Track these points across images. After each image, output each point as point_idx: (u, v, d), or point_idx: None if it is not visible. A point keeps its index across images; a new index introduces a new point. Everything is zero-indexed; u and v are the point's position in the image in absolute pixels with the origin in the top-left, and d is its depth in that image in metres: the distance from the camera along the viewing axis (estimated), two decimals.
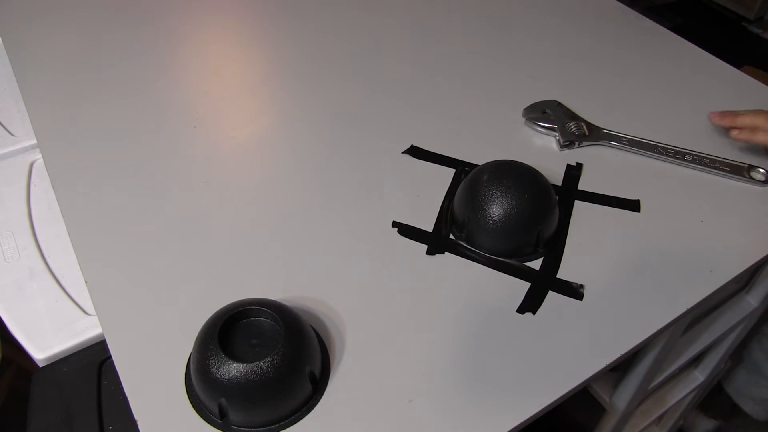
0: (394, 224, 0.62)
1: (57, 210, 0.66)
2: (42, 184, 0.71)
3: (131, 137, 0.72)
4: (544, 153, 0.71)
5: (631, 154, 0.70)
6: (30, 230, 0.66)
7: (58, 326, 0.57)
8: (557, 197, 0.62)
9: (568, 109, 0.74)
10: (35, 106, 0.76)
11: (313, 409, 0.48)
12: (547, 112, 0.73)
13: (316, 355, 0.49)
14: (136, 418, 0.47)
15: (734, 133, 0.69)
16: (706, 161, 0.69)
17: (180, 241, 0.61)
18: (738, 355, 1.18)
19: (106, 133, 0.73)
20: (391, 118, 0.75)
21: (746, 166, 0.68)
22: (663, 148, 0.70)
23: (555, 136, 0.72)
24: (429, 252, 0.60)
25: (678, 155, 0.69)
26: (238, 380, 0.44)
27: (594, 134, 0.71)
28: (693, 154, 0.69)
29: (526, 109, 0.74)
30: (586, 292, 0.57)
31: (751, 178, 0.67)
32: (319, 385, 0.49)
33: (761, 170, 0.68)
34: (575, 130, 0.71)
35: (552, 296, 0.56)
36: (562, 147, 0.71)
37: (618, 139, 0.71)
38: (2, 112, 0.80)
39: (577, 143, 0.71)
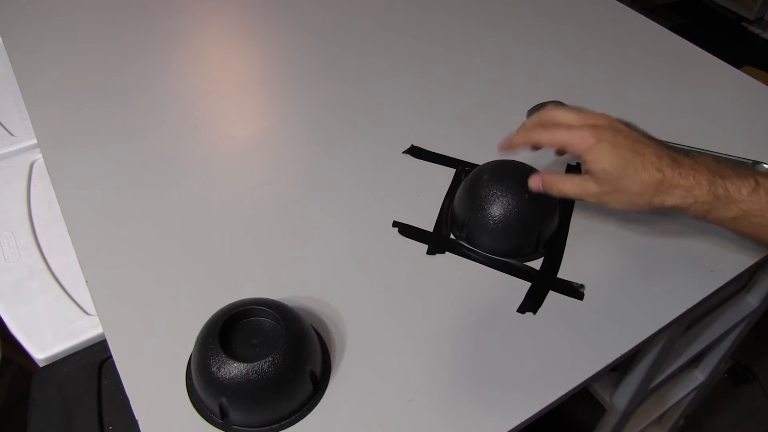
0: (395, 224, 0.62)
1: (57, 210, 0.66)
2: (42, 184, 0.71)
3: (131, 137, 0.72)
4: (546, 154, 0.70)
5: None
6: (30, 230, 0.66)
7: (58, 326, 0.57)
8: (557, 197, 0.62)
9: None
10: (36, 106, 0.76)
11: (313, 408, 0.48)
12: None
13: (317, 354, 0.49)
14: (136, 417, 0.47)
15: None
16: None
17: (180, 241, 0.61)
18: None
19: (106, 133, 0.73)
20: (392, 118, 0.75)
21: (750, 162, 0.68)
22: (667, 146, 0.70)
23: None
24: (429, 252, 0.60)
25: (682, 153, 0.69)
26: (239, 380, 0.44)
27: None
28: (697, 152, 0.69)
29: (529, 110, 0.74)
30: (586, 292, 0.57)
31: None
32: (319, 384, 0.49)
33: (765, 165, 0.68)
34: None
35: (552, 296, 0.56)
36: None
37: None
38: (2, 112, 0.80)
39: None
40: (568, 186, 0.53)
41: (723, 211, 0.50)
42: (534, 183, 0.55)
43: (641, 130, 0.53)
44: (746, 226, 0.50)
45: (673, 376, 0.85)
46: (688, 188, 0.49)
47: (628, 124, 0.53)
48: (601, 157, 0.50)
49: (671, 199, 0.50)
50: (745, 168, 0.67)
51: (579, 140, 0.51)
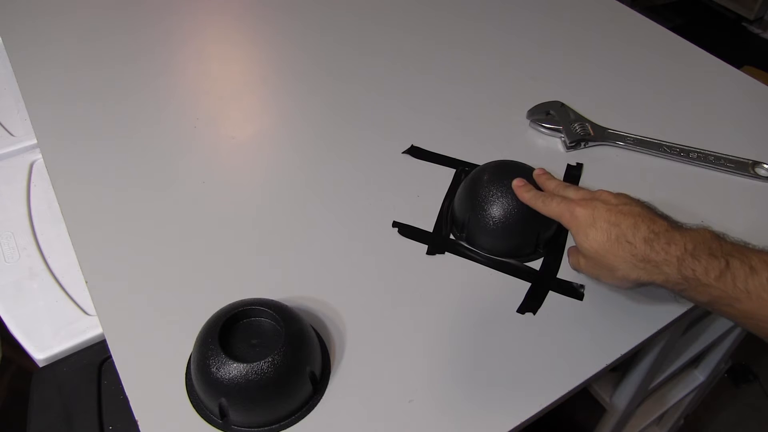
0: (395, 224, 0.62)
1: (57, 210, 0.66)
2: (42, 184, 0.71)
3: (131, 137, 0.72)
4: (547, 154, 0.71)
5: (637, 153, 0.70)
6: (30, 230, 0.66)
7: (58, 326, 0.57)
8: None
9: (572, 110, 0.74)
10: (35, 105, 0.76)
11: (313, 409, 0.48)
12: (551, 114, 0.73)
13: (317, 355, 0.49)
14: (136, 418, 0.47)
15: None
16: (711, 158, 0.69)
17: (180, 241, 0.61)
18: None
19: (105, 133, 0.73)
20: (392, 118, 0.75)
21: (750, 162, 0.68)
22: (668, 146, 0.70)
23: (560, 138, 0.72)
24: (429, 252, 0.60)
25: (683, 153, 0.69)
26: (239, 380, 0.44)
27: (599, 134, 0.71)
28: (698, 152, 0.69)
29: (530, 110, 0.74)
30: (586, 292, 0.57)
31: (755, 173, 0.68)
32: (319, 385, 0.49)
33: (765, 166, 0.68)
34: (580, 130, 0.71)
35: (552, 296, 0.56)
36: (568, 148, 0.71)
37: (623, 138, 0.71)
38: (2, 112, 0.80)
39: (582, 144, 0.71)
40: (573, 259, 0.52)
41: (696, 294, 0.44)
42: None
43: (645, 202, 0.49)
44: (724, 314, 0.44)
45: (673, 376, 0.85)
46: (658, 264, 0.44)
47: (625, 197, 0.49)
48: (579, 232, 0.48)
49: (645, 275, 0.45)
50: (745, 168, 0.68)
51: (566, 215, 0.49)
